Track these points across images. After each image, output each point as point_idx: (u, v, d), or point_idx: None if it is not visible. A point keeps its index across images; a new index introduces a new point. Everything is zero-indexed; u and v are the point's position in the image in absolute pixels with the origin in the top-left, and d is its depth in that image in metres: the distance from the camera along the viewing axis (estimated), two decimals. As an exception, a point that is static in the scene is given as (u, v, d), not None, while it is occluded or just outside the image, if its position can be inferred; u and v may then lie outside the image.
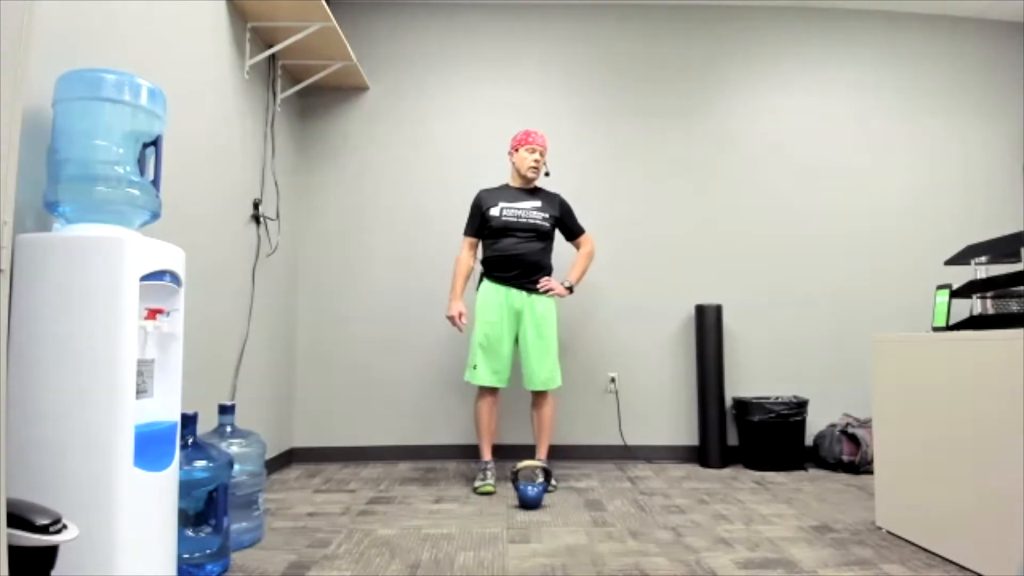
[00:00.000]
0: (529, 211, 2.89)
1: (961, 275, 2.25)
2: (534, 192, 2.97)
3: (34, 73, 1.44)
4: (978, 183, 3.71)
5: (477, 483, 2.77)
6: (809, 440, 3.36)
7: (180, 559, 1.67)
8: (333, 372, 3.51)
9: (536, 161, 2.91)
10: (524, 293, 2.86)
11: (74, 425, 1.30)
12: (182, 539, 1.68)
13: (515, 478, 2.58)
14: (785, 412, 3.22)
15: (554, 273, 2.98)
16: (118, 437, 1.33)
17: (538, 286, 2.86)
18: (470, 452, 3.45)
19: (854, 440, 3.16)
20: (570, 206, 3.03)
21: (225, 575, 1.80)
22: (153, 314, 1.52)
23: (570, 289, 2.94)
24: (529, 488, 2.51)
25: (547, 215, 2.91)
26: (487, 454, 2.89)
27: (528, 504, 2.50)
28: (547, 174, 3.02)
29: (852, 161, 3.69)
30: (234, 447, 2.02)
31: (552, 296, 2.89)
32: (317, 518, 2.37)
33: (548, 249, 2.94)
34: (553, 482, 2.77)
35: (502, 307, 2.84)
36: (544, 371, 2.84)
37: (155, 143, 1.56)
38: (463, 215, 3.05)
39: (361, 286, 3.56)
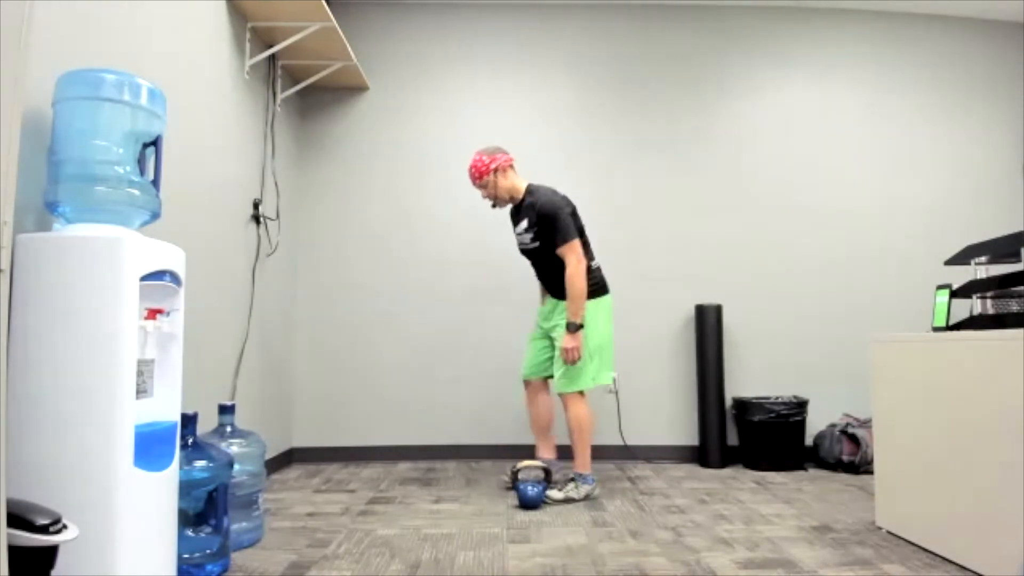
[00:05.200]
0: (522, 235, 2.77)
1: (961, 275, 2.25)
2: (520, 210, 2.76)
3: (34, 73, 1.44)
4: (978, 183, 3.71)
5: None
6: (809, 440, 3.36)
7: (180, 559, 1.67)
8: (333, 372, 3.51)
9: (486, 198, 2.78)
10: (556, 300, 2.78)
11: (74, 424, 1.30)
12: (182, 539, 1.68)
13: (515, 478, 2.58)
14: (785, 412, 3.22)
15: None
16: (118, 437, 1.33)
17: (560, 354, 2.65)
18: (470, 452, 3.45)
19: (854, 440, 3.16)
20: (549, 214, 2.63)
21: (225, 575, 1.80)
22: (153, 314, 1.52)
23: (578, 328, 2.60)
24: (529, 488, 2.50)
25: (532, 233, 2.71)
26: (538, 452, 2.88)
27: (528, 504, 2.50)
28: (494, 205, 2.80)
29: (852, 161, 3.68)
30: (234, 447, 2.02)
31: (564, 351, 2.61)
32: (317, 518, 2.37)
33: (557, 262, 2.67)
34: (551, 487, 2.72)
35: (546, 312, 2.83)
36: (559, 373, 2.72)
37: (155, 143, 1.56)
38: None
39: (361, 286, 3.56)
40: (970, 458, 1.82)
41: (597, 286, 2.72)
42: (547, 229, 2.66)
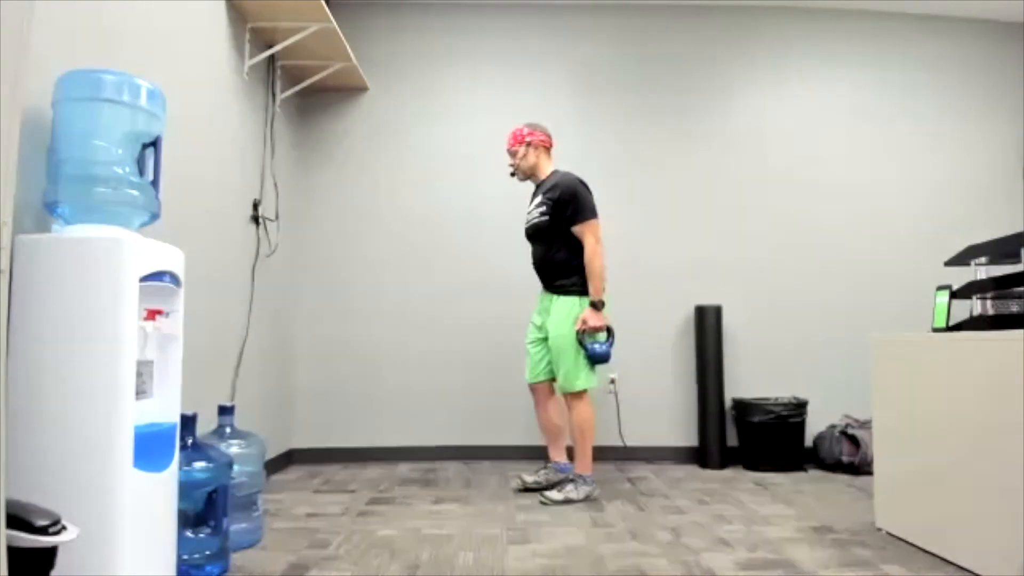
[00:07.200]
0: (532, 211, 2.80)
1: (961, 276, 2.25)
2: (540, 187, 2.81)
3: (34, 73, 1.44)
4: (978, 183, 3.71)
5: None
6: (809, 441, 3.36)
7: (180, 560, 1.67)
8: (333, 372, 3.51)
9: (511, 165, 2.85)
10: (550, 294, 2.78)
11: (74, 425, 1.30)
12: (182, 540, 1.68)
13: (580, 339, 2.60)
14: (785, 413, 3.22)
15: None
16: (118, 438, 1.33)
17: (577, 327, 2.64)
18: (470, 453, 3.45)
19: (854, 441, 3.16)
20: (575, 192, 2.67)
21: (225, 576, 1.80)
22: (153, 315, 1.51)
23: (598, 306, 2.63)
24: (597, 345, 2.58)
25: (545, 208, 2.71)
26: (549, 455, 2.88)
27: (598, 359, 2.58)
28: (512, 174, 2.86)
29: (852, 161, 3.68)
30: (234, 448, 2.02)
31: (586, 325, 2.61)
32: (317, 519, 2.37)
33: (557, 246, 2.71)
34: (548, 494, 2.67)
35: (540, 310, 2.84)
36: (560, 373, 2.72)
37: (154, 143, 1.56)
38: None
39: (361, 286, 3.55)
40: (970, 458, 1.82)
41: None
42: (565, 206, 2.67)
